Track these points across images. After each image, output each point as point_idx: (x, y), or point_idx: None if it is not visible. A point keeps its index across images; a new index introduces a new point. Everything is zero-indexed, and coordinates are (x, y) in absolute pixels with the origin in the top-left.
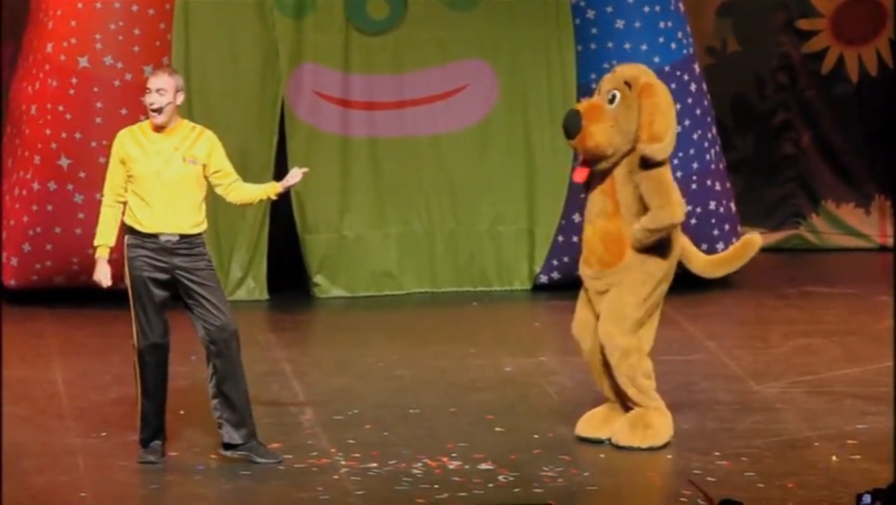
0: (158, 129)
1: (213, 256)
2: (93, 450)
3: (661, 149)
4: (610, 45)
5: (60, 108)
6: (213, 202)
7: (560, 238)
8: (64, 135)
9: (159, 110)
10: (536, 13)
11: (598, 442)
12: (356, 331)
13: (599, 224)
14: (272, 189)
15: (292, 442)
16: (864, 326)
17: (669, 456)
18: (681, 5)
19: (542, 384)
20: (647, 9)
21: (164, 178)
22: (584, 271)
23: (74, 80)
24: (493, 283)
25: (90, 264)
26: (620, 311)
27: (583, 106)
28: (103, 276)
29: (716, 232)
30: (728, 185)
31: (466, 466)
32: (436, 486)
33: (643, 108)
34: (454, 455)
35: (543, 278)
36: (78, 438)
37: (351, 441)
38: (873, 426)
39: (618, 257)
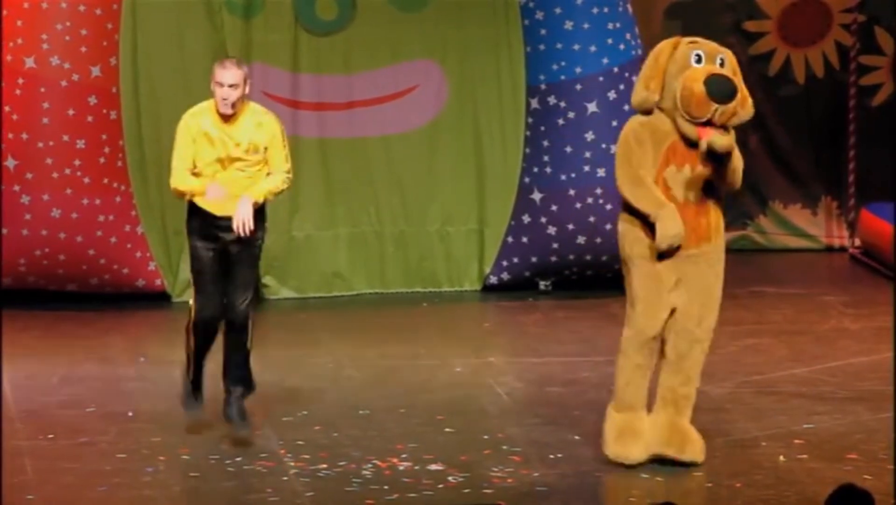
0: (226, 117)
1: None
2: (40, 452)
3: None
4: (559, 45)
5: (7, 108)
6: (162, 203)
7: (510, 239)
8: (10, 136)
9: (232, 104)
10: (485, 14)
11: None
12: (306, 332)
13: (707, 196)
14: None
15: (241, 443)
16: (811, 325)
17: None
18: (629, 7)
19: (492, 385)
20: (595, 10)
21: (227, 165)
22: (673, 253)
23: (21, 81)
24: (442, 284)
25: (37, 266)
26: (713, 291)
27: (722, 70)
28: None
29: None
30: None
31: (416, 467)
32: (385, 487)
33: (736, 70)
34: (404, 456)
35: (493, 279)
36: (25, 441)
37: (300, 442)
38: (820, 426)
39: (719, 223)
